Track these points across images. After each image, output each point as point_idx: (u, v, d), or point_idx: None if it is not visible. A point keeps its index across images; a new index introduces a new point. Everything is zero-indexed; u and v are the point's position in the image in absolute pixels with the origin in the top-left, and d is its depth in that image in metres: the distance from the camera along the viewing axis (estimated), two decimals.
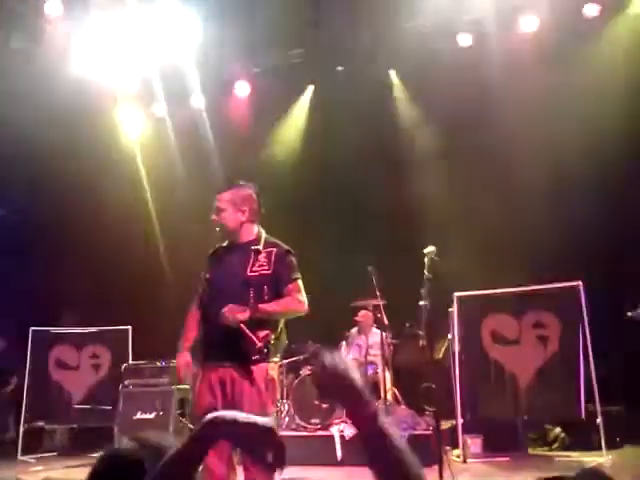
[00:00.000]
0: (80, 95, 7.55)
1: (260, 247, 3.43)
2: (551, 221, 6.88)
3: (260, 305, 3.31)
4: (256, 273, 3.37)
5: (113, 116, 8.70)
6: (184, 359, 3.50)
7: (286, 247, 3.49)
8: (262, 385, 3.30)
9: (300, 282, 3.44)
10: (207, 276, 3.51)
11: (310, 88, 8.71)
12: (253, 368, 3.29)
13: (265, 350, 3.31)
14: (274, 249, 3.43)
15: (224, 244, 3.59)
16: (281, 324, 3.47)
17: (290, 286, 3.38)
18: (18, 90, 7.08)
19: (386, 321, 6.98)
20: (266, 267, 3.38)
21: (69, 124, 7.84)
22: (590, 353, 5.64)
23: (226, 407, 3.28)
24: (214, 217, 3.47)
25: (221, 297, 3.36)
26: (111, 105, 8.47)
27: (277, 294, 3.37)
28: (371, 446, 1.30)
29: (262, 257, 3.40)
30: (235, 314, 3.25)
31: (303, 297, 3.42)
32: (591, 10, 6.95)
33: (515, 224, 7.01)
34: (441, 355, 6.78)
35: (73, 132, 7.93)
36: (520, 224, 7.02)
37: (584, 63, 6.99)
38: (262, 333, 3.31)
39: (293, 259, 3.44)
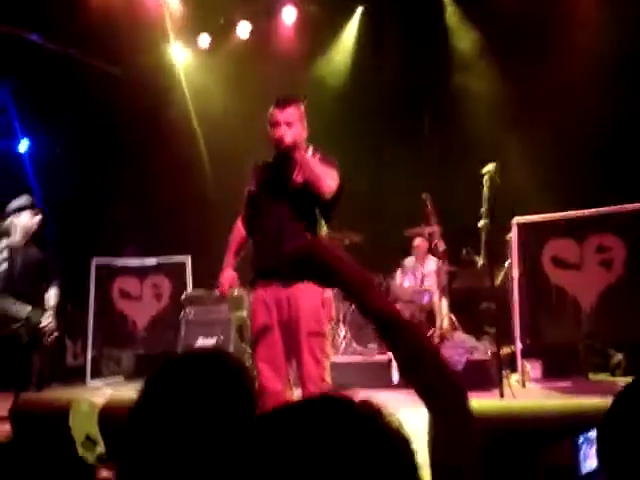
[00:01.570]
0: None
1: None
2: (617, 142, 6.55)
3: (301, 152, 3.26)
4: (301, 181, 3.33)
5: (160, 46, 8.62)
6: (228, 275, 3.50)
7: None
8: (318, 302, 3.29)
9: (337, 173, 3.34)
10: (252, 189, 3.46)
11: (359, 9, 8.40)
12: (308, 286, 3.26)
13: None
14: (319, 156, 3.38)
15: (272, 158, 3.48)
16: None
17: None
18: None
19: (443, 248, 6.88)
20: None
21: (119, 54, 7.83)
22: None
23: (282, 325, 3.30)
24: (281, 131, 3.31)
25: (270, 207, 3.34)
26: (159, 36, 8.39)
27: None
28: (382, 332, 1.26)
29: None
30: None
31: (336, 180, 3.31)
32: None
33: (580, 144, 6.68)
34: (499, 281, 6.67)
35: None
36: (585, 144, 6.68)
37: None
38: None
39: (336, 164, 3.37)
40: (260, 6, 8.34)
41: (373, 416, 0.87)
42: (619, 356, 5.99)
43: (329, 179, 3.27)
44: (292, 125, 3.33)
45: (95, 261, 7.69)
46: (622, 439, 1.05)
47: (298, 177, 3.33)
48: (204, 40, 8.77)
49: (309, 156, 3.31)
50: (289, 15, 8.38)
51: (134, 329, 7.80)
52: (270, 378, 3.29)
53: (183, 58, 8.98)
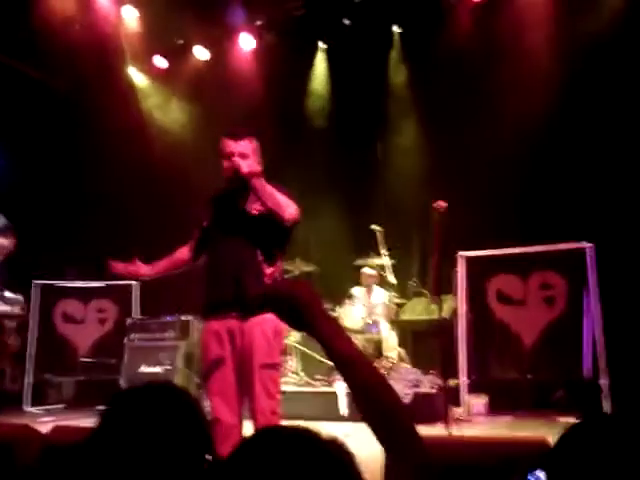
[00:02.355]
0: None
1: None
2: (563, 180, 6.81)
3: (260, 181, 3.23)
4: (256, 212, 3.33)
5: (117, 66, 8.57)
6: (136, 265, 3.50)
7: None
8: (271, 333, 3.28)
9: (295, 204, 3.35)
10: (205, 224, 3.44)
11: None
12: (262, 317, 3.26)
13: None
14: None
15: (224, 190, 3.46)
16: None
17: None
18: None
19: (393, 280, 6.98)
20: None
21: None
22: (598, 316, 5.63)
23: (235, 358, 3.28)
24: (235, 161, 3.28)
25: (225, 239, 3.33)
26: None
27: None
28: (345, 374, 1.30)
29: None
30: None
31: (296, 209, 3.31)
32: None
33: (524, 183, 6.92)
34: (447, 314, 6.80)
35: None
36: (529, 183, 6.92)
37: None
38: (268, 271, 3.29)
39: (290, 194, 3.39)
40: (217, 31, 8.37)
41: (335, 450, 0.90)
42: (560, 393, 6.16)
43: (290, 207, 3.29)
44: (246, 157, 3.32)
45: (36, 283, 7.46)
46: None
47: (254, 207, 3.33)
48: (160, 62, 8.76)
49: (268, 185, 3.31)
50: (247, 42, 8.44)
51: (75, 354, 7.56)
52: (224, 411, 3.26)
53: (140, 80, 8.95)
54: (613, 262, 5.89)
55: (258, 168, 3.37)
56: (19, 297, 4.87)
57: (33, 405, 7.07)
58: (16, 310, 4.76)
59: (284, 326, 3.45)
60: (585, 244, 5.75)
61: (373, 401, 1.30)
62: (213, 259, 3.41)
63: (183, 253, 3.55)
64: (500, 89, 7.06)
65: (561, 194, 6.77)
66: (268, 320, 3.29)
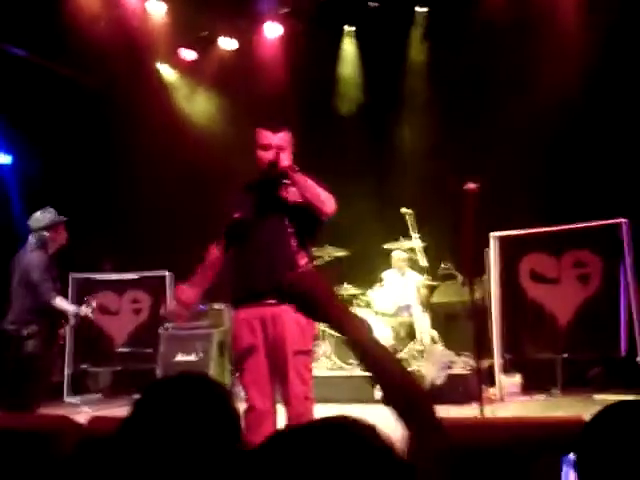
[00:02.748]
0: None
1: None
2: (593, 157, 6.68)
3: (300, 174, 3.26)
4: (292, 202, 3.34)
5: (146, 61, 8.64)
6: (184, 293, 3.47)
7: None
8: (303, 320, 3.30)
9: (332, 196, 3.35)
10: (237, 215, 3.43)
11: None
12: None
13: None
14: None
15: (258, 181, 3.48)
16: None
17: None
18: None
19: (424, 263, 6.94)
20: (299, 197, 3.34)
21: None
22: (633, 293, 5.54)
23: (267, 345, 3.31)
24: (275, 154, 3.29)
25: (260, 228, 3.34)
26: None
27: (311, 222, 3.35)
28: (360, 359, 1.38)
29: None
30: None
31: (334, 202, 3.32)
32: None
33: (555, 161, 6.80)
34: (479, 295, 6.75)
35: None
36: (560, 161, 6.80)
37: None
38: (302, 261, 3.30)
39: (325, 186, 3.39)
40: (243, 21, 8.35)
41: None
42: (596, 369, 6.09)
43: (329, 200, 3.29)
44: (284, 150, 3.33)
45: (73, 275, 7.62)
46: (599, 465, 1.09)
47: (291, 198, 3.35)
48: (187, 54, 8.79)
49: (301, 176, 3.30)
50: (273, 31, 8.41)
51: (112, 345, 7.72)
52: (257, 398, 3.29)
53: (168, 73, 9.02)
54: None
55: (291, 161, 3.40)
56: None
57: (72, 395, 7.24)
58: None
59: None
60: (620, 220, 5.64)
61: (390, 386, 1.33)
62: (246, 248, 3.42)
63: (214, 254, 3.52)
64: (527, 66, 6.95)
65: (592, 171, 6.64)
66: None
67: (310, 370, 3.41)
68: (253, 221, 3.39)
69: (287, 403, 3.32)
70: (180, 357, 6.62)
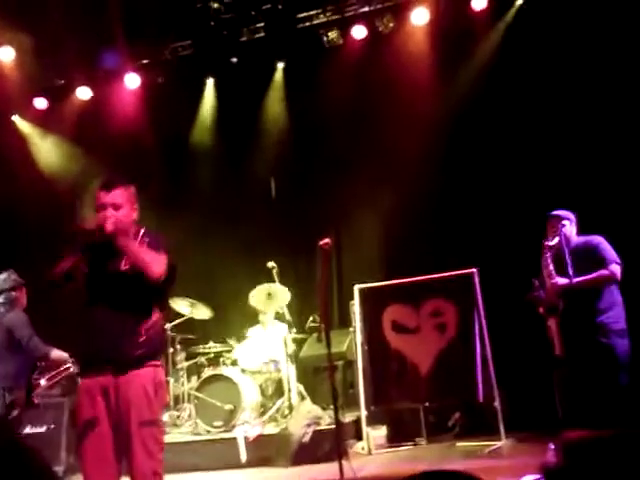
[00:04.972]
0: None
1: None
2: (447, 211, 7.05)
3: (126, 239, 3.15)
4: (127, 267, 3.21)
5: None
6: None
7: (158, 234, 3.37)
8: (149, 388, 3.12)
9: (165, 257, 3.22)
10: (85, 270, 3.24)
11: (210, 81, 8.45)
12: (138, 371, 3.11)
13: (153, 346, 3.16)
14: (147, 240, 3.27)
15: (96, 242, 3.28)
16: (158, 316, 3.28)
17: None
18: None
19: (288, 316, 6.91)
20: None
21: None
22: (486, 338, 5.79)
23: (111, 417, 3.09)
24: (101, 217, 3.18)
25: (98, 296, 3.17)
26: None
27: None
28: None
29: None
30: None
31: (163, 264, 3.19)
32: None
33: (412, 215, 7.09)
34: (345, 347, 6.80)
35: None
36: (417, 215, 7.11)
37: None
38: (144, 327, 3.15)
39: (164, 245, 3.28)
40: (99, 72, 8.14)
41: None
42: (456, 415, 6.27)
43: (156, 264, 3.17)
44: (120, 207, 3.23)
45: None
46: None
47: (124, 264, 3.20)
48: (41, 103, 8.42)
49: (134, 242, 3.20)
50: (132, 81, 8.25)
51: None
52: (97, 473, 3.06)
53: (24, 126, 8.59)
54: (498, 285, 6.11)
55: (131, 217, 3.27)
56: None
57: None
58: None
59: (162, 379, 3.31)
60: (470, 269, 5.92)
61: None
62: (86, 314, 3.24)
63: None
64: (384, 124, 7.26)
65: (446, 225, 7.00)
66: (144, 376, 3.14)
67: (159, 442, 3.21)
68: (90, 288, 3.21)
69: (133, 478, 3.10)
70: (29, 429, 6.06)
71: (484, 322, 5.83)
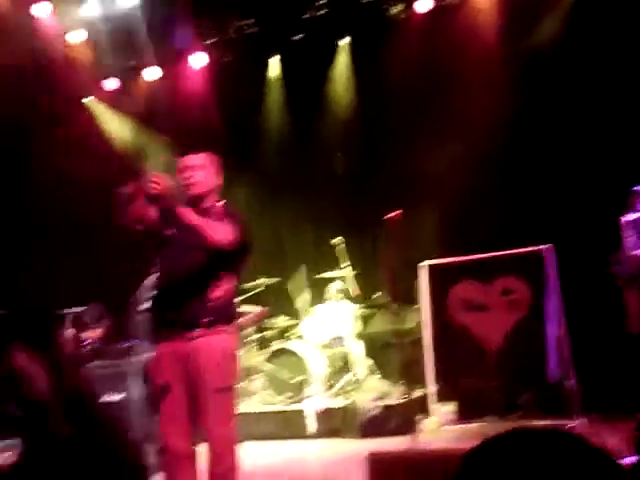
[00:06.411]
0: None
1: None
2: (518, 185, 6.85)
3: (181, 208, 3.10)
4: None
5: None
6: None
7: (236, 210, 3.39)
8: (223, 356, 3.18)
9: (238, 228, 3.21)
10: (168, 232, 3.28)
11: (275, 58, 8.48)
12: (211, 338, 3.16)
13: (223, 313, 3.20)
14: (220, 210, 3.30)
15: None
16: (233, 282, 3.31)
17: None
18: None
19: (356, 292, 6.91)
20: None
21: None
22: (561, 317, 5.63)
23: (185, 383, 3.17)
24: (188, 175, 3.24)
25: (178, 255, 3.21)
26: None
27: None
28: None
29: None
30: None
31: (231, 233, 3.16)
32: None
33: (484, 188, 6.93)
34: (413, 323, 6.74)
35: None
36: (489, 188, 6.93)
37: None
38: (215, 294, 3.19)
39: (239, 219, 3.29)
40: (168, 51, 8.28)
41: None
42: (527, 396, 6.13)
43: (218, 232, 3.14)
44: (201, 170, 3.27)
45: None
46: None
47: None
48: (111, 84, 8.64)
49: (187, 208, 3.17)
50: (198, 60, 8.37)
51: None
52: (172, 438, 3.14)
53: (96, 106, 8.85)
54: (573, 262, 5.90)
55: (212, 181, 3.31)
56: None
57: None
58: None
59: (235, 347, 3.35)
60: (543, 246, 5.75)
61: None
62: (165, 273, 3.30)
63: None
64: (453, 88, 7.10)
65: (519, 198, 6.80)
66: (217, 342, 3.19)
67: (233, 408, 3.27)
68: (174, 245, 3.25)
69: (208, 444, 3.17)
70: (106, 398, 6.30)
71: (559, 300, 5.66)
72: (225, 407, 3.17)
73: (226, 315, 3.27)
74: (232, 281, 3.31)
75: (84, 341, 5.32)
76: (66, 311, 7.25)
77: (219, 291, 3.22)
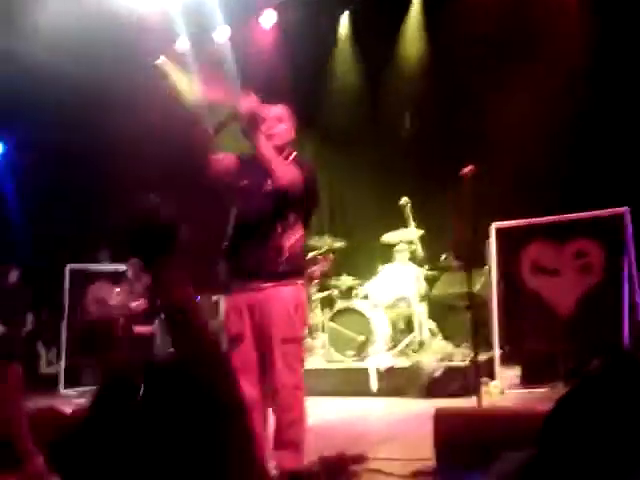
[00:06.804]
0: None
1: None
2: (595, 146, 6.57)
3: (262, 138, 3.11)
4: (270, 187, 3.23)
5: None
6: None
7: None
8: (291, 307, 3.21)
9: (300, 173, 3.19)
10: (245, 182, 3.29)
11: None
12: (281, 289, 3.19)
13: (293, 263, 3.22)
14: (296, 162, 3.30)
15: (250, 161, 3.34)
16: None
17: None
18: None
19: (422, 253, 6.85)
20: None
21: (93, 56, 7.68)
22: (636, 284, 5.42)
23: (255, 332, 3.22)
24: (269, 125, 3.20)
25: (247, 210, 3.25)
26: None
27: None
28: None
29: None
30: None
31: (301, 178, 3.15)
32: None
33: (557, 151, 6.68)
34: (480, 286, 6.64)
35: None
36: (562, 150, 6.69)
37: None
38: (289, 242, 3.21)
39: (309, 169, 3.29)
40: (238, 10, 8.26)
41: None
42: (596, 361, 5.97)
43: (285, 172, 3.13)
44: (281, 122, 3.27)
45: (69, 267, 7.55)
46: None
47: (269, 181, 3.24)
48: (184, 44, 8.72)
49: (267, 142, 3.15)
50: (268, 19, 8.34)
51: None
52: (244, 385, 3.21)
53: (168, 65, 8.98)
54: None
55: (290, 134, 3.32)
56: None
57: (70, 387, 7.18)
58: None
59: (304, 298, 3.38)
60: (621, 209, 5.52)
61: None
62: (233, 229, 3.33)
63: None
64: (528, 46, 6.84)
65: (593, 160, 6.54)
66: (287, 293, 3.22)
67: (300, 359, 3.31)
68: (244, 194, 3.27)
69: (276, 393, 3.22)
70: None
71: (634, 266, 5.45)
72: (293, 357, 3.21)
73: (298, 266, 3.29)
74: (301, 232, 3.31)
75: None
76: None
77: (289, 241, 3.23)
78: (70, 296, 7.48)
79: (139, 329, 7.13)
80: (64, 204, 8.28)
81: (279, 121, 3.27)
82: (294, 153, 3.36)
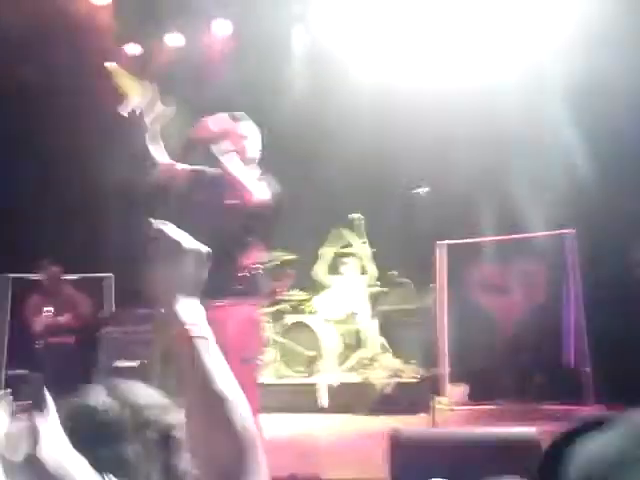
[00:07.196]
0: None
1: None
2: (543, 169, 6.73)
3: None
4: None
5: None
6: None
7: None
8: (247, 327, 3.17)
9: (271, 193, 3.25)
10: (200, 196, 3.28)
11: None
12: (236, 309, 3.15)
13: (252, 282, 3.18)
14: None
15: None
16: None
17: None
18: None
19: (373, 269, 6.89)
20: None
21: None
22: (580, 302, 5.59)
23: None
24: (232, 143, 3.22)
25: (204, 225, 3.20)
26: None
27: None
28: None
29: None
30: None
31: (266, 195, 3.21)
32: None
33: (503, 172, 6.83)
34: (429, 302, 6.72)
35: None
36: (508, 173, 6.83)
37: None
38: (249, 260, 3.18)
39: (271, 187, 3.29)
40: (192, 18, 8.17)
41: None
42: (541, 379, 6.12)
43: (256, 189, 3.16)
44: (245, 139, 3.25)
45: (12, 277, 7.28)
46: None
47: (229, 194, 3.21)
48: (133, 49, 8.55)
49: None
50: (222, 28, 8.26)
51: None
52: None
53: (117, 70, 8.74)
54: (593, 247, 5.83)
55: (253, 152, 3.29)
56: None
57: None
58: None
59: (260, 316, 3.35)
60: (565, 231, 5.69)
61: None
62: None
63: None
64: None
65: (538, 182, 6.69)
66: (243, 311, 3.18)
67: (256, 378, 3.27)
68: (207, 206, 3.23)
69: None
70: (120, 363, 6.35)
71: (578, 285, 5.62)
72: (249, 377, 3.16)
73: (254, 284, 3.25)
74: (261, 250, 3.28)
75: None
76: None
77: (248, 259, 3.20)
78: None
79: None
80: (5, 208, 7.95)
81: (243, 138, 3.24)
82: (258, 169, 3.34)
